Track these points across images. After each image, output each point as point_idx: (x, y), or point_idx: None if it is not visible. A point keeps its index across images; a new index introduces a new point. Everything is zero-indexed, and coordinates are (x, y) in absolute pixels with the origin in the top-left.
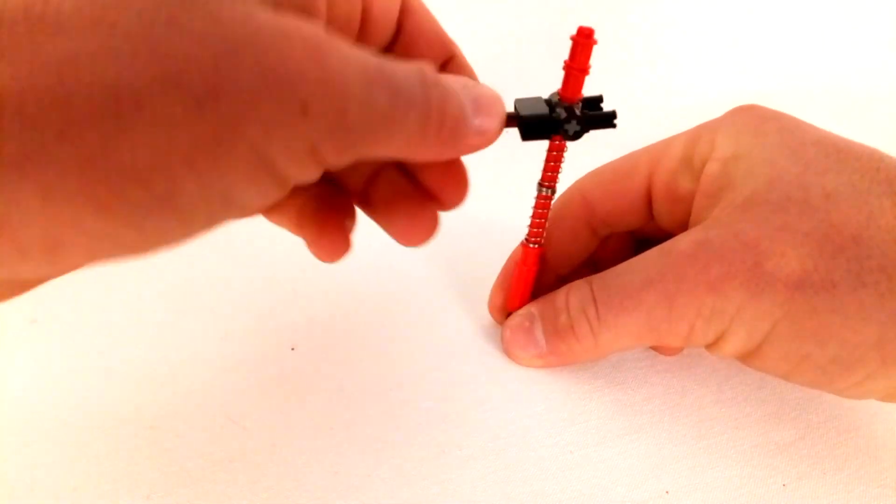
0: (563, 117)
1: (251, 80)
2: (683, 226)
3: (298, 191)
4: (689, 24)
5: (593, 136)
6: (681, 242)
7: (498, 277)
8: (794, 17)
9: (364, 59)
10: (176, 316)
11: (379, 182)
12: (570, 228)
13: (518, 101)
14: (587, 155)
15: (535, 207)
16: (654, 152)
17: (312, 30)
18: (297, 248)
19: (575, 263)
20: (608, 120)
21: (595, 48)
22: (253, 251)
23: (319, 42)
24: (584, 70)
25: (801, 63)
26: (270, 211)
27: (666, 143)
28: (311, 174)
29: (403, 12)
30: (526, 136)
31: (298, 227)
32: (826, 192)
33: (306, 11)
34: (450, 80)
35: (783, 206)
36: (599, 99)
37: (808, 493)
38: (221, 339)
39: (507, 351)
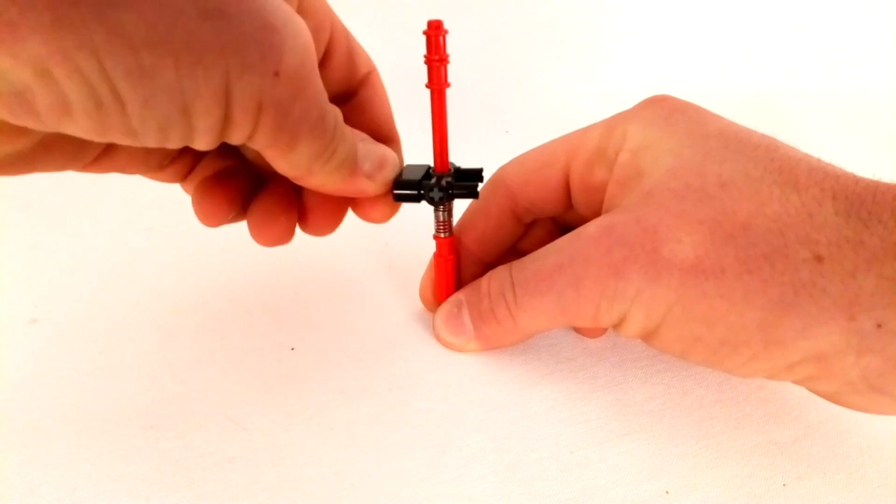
0: (429, 185)
1: (257, 23)
2: (599, 213)
3: (211, 162)
4: (684, 20)
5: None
6: (589, 228)
7: (425, 271)
8: (794, 15)
9: (321, 83)
10: (176, 316)
11: (275, 176)
12: (496, 216)
13: (406, 166)
14: None
15: (434, 210)
16: (572, 142)
17: (311, 38)
18: (298, 249)
19: (502, 250)
20: (470, 191)
21: (588, 41)
22: (253, 252)
23: (311, 45)
24: (443, 60)
25: (797, 61)
26: (186, 177)
27: (583, 133)
28: (242, 132)
29: (363, 84)
30: (396, 197)
31: (197, 187)
32: (722, 180)
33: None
34: (354, 131)
35: (682, 194)
36: (478, 171)
37: (808, 493)
38: (221, 339)
39: (439, 338)
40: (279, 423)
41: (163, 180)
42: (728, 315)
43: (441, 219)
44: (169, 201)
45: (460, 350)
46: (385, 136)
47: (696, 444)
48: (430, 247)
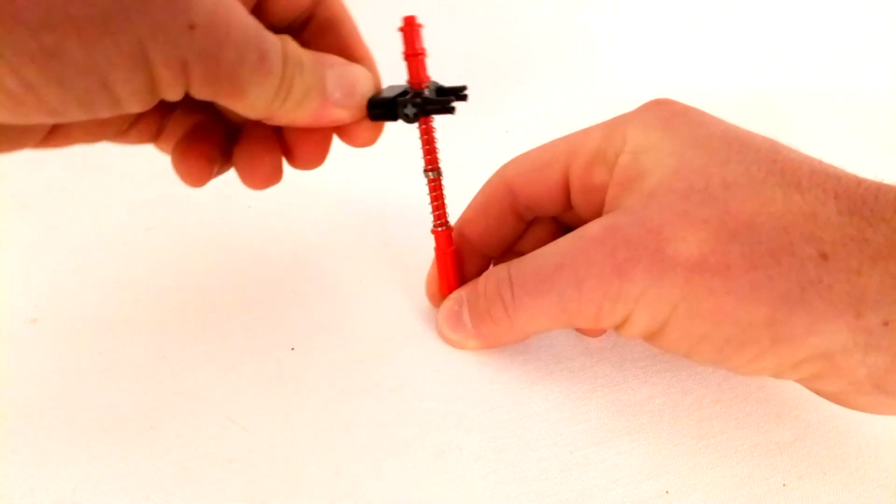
0: (403, 101)
1: None
2: (599, 215)
3: (180, 118)
4: (684, 21)
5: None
6: (591, 228)
7: (430, 269)
8: (794, 15)
9: (250, 20)
10: (176, 316)
11: (249, 124)
12: (497, 213)
13: (386, 87)
14: None
15: (430, 192)
16: (572, 143)
17: None
18: (297, 249)
19: (504, 247)
20: (445, 106)
21: (589, 42)
22: (253, 251)
23: None
24: (418, 54)
25: (797, 61)
26: (157, 136)
27: (583, 135)
28: (175, 90)
29: (319, 3)
30: (372, 117)
31: (174, 150)
32: (725, 181)
33: None
34: (321, 56)
35: (685, 195)
36: (461, 88)
37: (808, 493)
38: (221, 339)
39: (441, 334)
40: (279, 423)
41: (131, 143)
42: (735, 311)
43: (435, 206)
44: (169, 201)
45: (461, 347)
46: (354, 55)
47: (696, 444)
48: (430, 246)
